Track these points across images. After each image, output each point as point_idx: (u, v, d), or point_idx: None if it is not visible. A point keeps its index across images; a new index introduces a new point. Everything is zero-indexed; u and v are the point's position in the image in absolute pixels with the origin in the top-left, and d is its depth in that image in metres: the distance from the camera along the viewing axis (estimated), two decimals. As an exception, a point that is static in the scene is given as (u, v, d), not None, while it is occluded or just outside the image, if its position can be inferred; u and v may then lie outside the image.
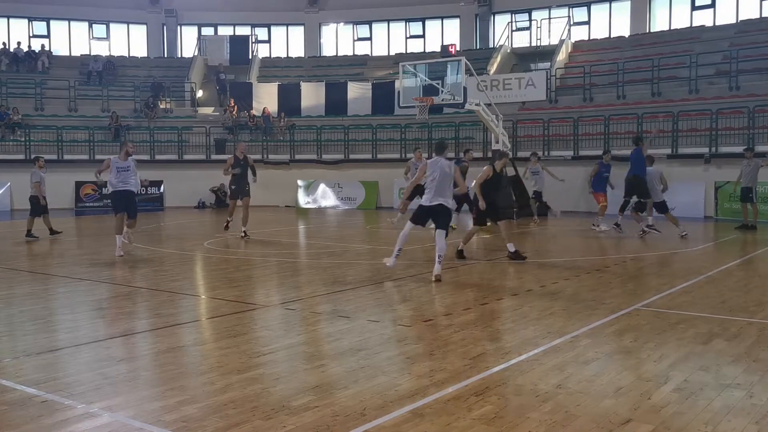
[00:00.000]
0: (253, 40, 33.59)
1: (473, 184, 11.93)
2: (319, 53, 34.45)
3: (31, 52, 31.21)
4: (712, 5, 27.84)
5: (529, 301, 8.03)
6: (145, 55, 34.06)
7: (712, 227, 17.93)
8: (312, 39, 34.62)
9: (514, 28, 30.91)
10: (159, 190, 26.50)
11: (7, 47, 31.08)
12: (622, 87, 24.92)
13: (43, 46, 31.79)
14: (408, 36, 34.05)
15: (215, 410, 4.42)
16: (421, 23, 33.76)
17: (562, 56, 28.20)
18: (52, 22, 33.29)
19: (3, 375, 5.18)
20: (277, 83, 30.64)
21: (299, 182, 26.90)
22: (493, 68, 27.95)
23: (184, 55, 34.12)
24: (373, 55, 33.47)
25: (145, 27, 34.33)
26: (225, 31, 34.15)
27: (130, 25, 34.43)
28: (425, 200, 9.55)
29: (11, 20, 32.81)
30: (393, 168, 24.19)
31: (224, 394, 4.72)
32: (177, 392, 4.77)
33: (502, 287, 9.05)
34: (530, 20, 30.92)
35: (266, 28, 34.85)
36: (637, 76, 25.06)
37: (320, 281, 9.53)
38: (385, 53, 33.30)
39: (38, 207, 15.30)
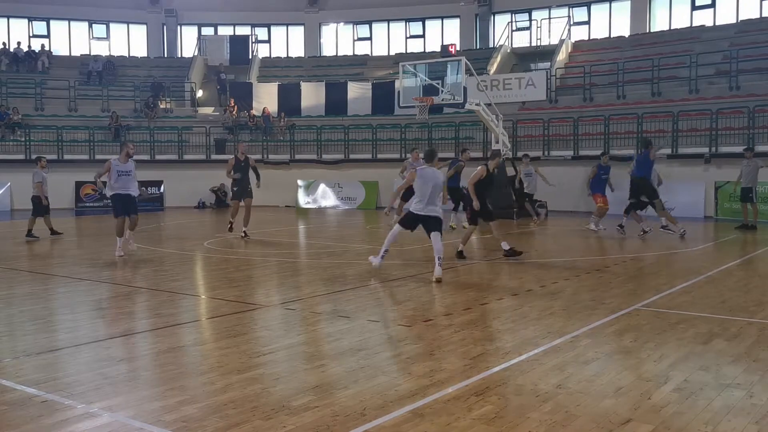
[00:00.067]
0: (253, 40, 33.60)
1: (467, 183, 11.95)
2: (319, 53, 34.45)
3: (31, 52, 31.22)
4: (712, 5, 27.85)
5: (529, 301, 8.03)
6: (145, 55, 34.07)
7: (712, 227, 17.93)
8: (312, 39, 34.63)
9: (514, 28, 30.91)
10: (159, 190, 26.50)
11: (7, 47, 31.09)
12: (622, 87, 24.92)
13: (43, 46, 31.79)
14: (408, 36, 34.06)
15: (215, 410, 4.42)
16: (421, 23, 33.77)
17: (562, 56, 28.20)
18: (52, 22, 33.30)
19: (3, 375, 5.18)
20: (277, 83, 30.64)
21: (299, 182, 26.91)
22: (493, 68, 27.96)
23: (184, 55, 34.13)
24: (373, 55, 33.47)
25: (145, 27, 34.34)
26: (225, 31, 34.16)
27: (130, 25, 34.44)
28: (415, 208, 9.61)
29: (11, 20, 32.83)
30: (393, 168, 24.13)
31: (224, 394, 4.72)
32: (177, 392, 4.77)
33: (502, 287, 9.05)
34: (530, 20, 30.93)
35: (266, 28, 34.85)
36: (637, 76, 25.06)
37: (320, 281, 9.53)
38: (385, 53, 33.31)
39: (40, 207, 15.29)
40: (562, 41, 28.60)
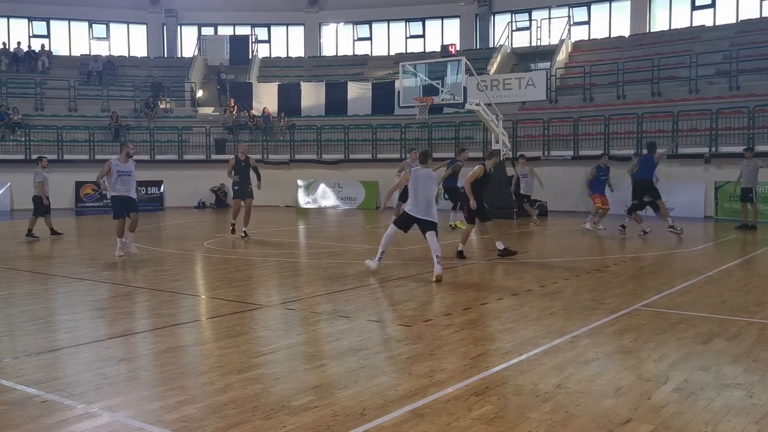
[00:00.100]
0: (253, 40, 33.59)
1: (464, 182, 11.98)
2: (319, 53, 34.46)
3: (31, 52, 31.22)
4: (712, 5, 27.85)
5: (529, 301, 8.03)
6: (145, 55, 34.07)
7: (712, 227, 17.93)
8: (312, 39, 34.63)
9: (514, 28, 30.92)
10: (159, 190, 26.51)
11: (7, 47, 31.09)
12: (622, 87, 24.93)
13: (43, 46, 31.80)
14: (408, 36, 34.06)
15: (215, 410, 4.43)
16: (421, 23, 33.77)
17: (562, 56, 28.20)
18: (52, 22, 33.30)
19: (3, 375, 5.18)
20: (277, 83, 30.65)
21: (299, 182, 26.90)
22: (493, 68, 27.96)
23: (184, 55, 34.14)
24: (373, 55, 33.47)
25: (145, 27, 34.34)
26: (225, 31, 34.17)
27: (130, 25, 34.44)
28: (410, 209, 9.66)
29: (11, 20, 32.83)
30: (393, 168, 24.08)
31: (224, 394, 4.72)
32: (177, 392, 4.77)
33: (502, 287, 9.05)
34: (530, 20, 30.93)
35: (266, 28, 34.86)
36: (637, 76, 25.07)
37: (320, 281, 9.53)
38: (385, 53, 33.31)
39: (41, 207, 15.30)
40: (562, 41, 28.61)
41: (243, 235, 14.68)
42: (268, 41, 34.91)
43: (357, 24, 34.52)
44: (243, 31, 34.06)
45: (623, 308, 7.52)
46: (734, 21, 26.94)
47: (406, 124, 26.03)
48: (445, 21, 33.54)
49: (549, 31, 29.90)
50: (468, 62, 19.79)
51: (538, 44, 29.86)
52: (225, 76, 31.43)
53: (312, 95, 29.76)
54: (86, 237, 16.79)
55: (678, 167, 20.76)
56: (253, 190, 14.82)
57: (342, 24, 34.75)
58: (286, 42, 35.07)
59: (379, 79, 30.16)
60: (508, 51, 29.99)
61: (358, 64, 32.56)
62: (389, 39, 34.27)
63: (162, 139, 27.53)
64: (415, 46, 33.57)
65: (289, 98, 29.77)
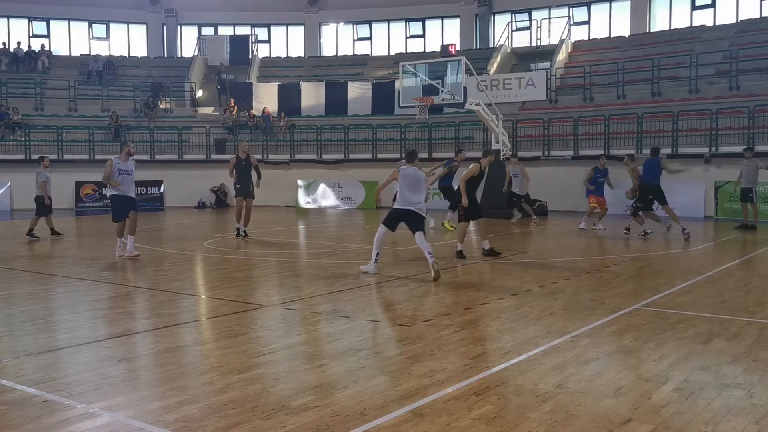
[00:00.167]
0: (253, 40, 33.60)
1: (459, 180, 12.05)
2: (319, 53, 34.46)
3: (31, 52, 31.22)
4: (712, 5, 27.86)
5: (529, 301, 8.03)
6: (145, 55, 34.07)
7: (712, 227, 17.94)
8: (312, 39, 34.63)
9: (514, 28, 30.92)
10: (159, 190, 26.51)
11: (7, 47, 31.10)
12: (622, 87, 24.93)
13: (43, 46, 31.80)
14: (408, 36, 34.06)
15: (215, 410, 4.42)
16: (421, 23, 33.77)
17: (562, 56, 28.21)
18: (52, 22, 33.30)
19: (3, 375, 5.18)
20: (277, 83, 30.65)
21: (299, 182, 26.90)
22: (493, 68, 27.96)
23: (184, 55, 34.14)
24: (373, 55, 33.48)
25: (145, 27, 34.35)
26: (225, 31, 34.17)
27: (130, 25, 34.45)
28: (398, 204, 9.88)
29: (11, 20, 32.83)
30: (393, 168, 24.17)
31: (224, 394, 4.72)
32: (177, 392, 4.77)
33: (502, 287, 9.05)
34: (530, 20, 30.94)
35: (266, 28, 34.86)
36: (637, 76, 25.07)
37: (320, 281, 9.53)
38: (385, 53, 33.32)
39: (44, 207, 15.30)
40: (562, 41, 28.61)
41: (243, 235, 14.69)
42: (268, 41, 34.92)
43: (357, 24, 34.52)
44: (243, 31, 34.06)
45: (623, 308, 7.52)
46: (734, 21, 26.95)
47: (406, 124, 26.04)
48: (445, 21, 33.55)
49: (549, 31, 29.92)
50: (468, 62, 19.80)
51: (538, 44, 29.87)
52: (225, 76, 31.44)
53: (312, 95, 29.77)
54: (86, 237, 16.79)
55: (678, 167, 20.71)
56: (254, 190, 14.81)
57: (342, 24, 34.75)
58: (286, 42, 35.08)
59: (379, 79, 30.16)
60: (508, 51, 29.99)
61: (358, 64, 32.56)
62: (389, 39, 34.27)
63: (162, 139, 27.54)
64: (415, 46, 33.58)
65: (289, 98, 29.78)
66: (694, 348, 5.93)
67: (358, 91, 29.30)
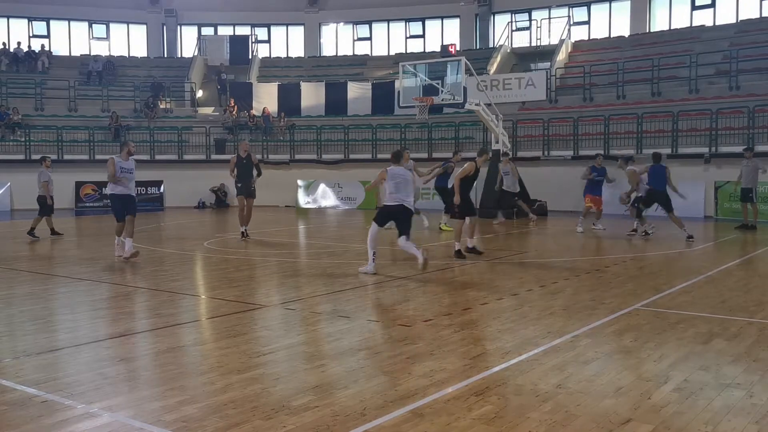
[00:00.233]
0: (253, 40, 33.61)
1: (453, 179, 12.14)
2: (319, 53, 34.46)
3: (31, 52, 31.23)
4: (712, 5, 27.86)
5: (529, 301, 8.03)
6: (145, 55, 34.08)
7: (712, 227, 17.93)
8: (312, 39, 34.63)
9: (514, 28, 30.93)
10: (159, 190, 26.51)
11: (7, 47, 31.10)
12: (622, 87, 24.93)
13: (43, 46, 31.80)
14: (408, 36, 34.06)
15: (215, 410, 4.42)
16: (421, 23, 33.77)
17: (562, 56, 28.21)
18: (52, 22, 33.31)
19: (3, 375, 5.18)
20: (277, 83, 30.66)
21: (299, 182, 26.91)
22: (493, 68, 27.96)
23: (184, 55, 34.15)
24: (373, 55, 33.48)
25: (145, 27, 34.36)
26: (225, 31, 34.18)
27: (130, 25, 34.46)
28: (388, 201, 10.09)
29: (11, 20, 32.84)
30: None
31: (224, 394, 4.72)
32: (177, 392, 4.77)
33: (502, 287, 9.05)
34: (530, 20, 30.94)
35: (266, 28, 34.87)
36: (637, 76, 25.07)
37: (320, 281, 9.53)
38: (385, 53, 33.32)
39: (46, 207, 15.31)
40: (562, 41, 28.61)
41: (241, 234, 14.67)
42: (268, 41, 34.92)
43: (357, 24, 34.52)
44: (243, 31, 34.06)
45: (623, 308, 7.52)
46: (734, 21, 26.95)
47: (406, 124, 26.03)
48: (445, 21, 33.55)
49: (549, 31, 29.92)
50: (468, 62, 19.80)
51: (538, 44, 29.88)
52: (225, 76, 31.44)
53: (312, 95, 29.77)
54: (86, 237, 16.79)
55: (678, 167, 20.69)
56: (255, 189, 14.76)
57: (342, 24, 34.75)
58: (286, 42, 35.08)
59: (379, 79, 30.17)
60: (508, 51, 30.00)
61: (358, 64, 32.56)
62: (389, 39, 34.28)
63: (162, 139, 27.54)
64: (415, 46, 33.58)
65: (289, 98, 29.79)
66: (694, 348, 5.93)
67: (358, 91, 29.30)
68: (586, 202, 16.18)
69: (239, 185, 14.71)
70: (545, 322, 6.88)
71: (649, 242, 14.04)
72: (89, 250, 13.75)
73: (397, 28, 34.23)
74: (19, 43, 31.48)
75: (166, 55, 34.05)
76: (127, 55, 33.81)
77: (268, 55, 34.33)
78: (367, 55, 33.61)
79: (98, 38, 34.03)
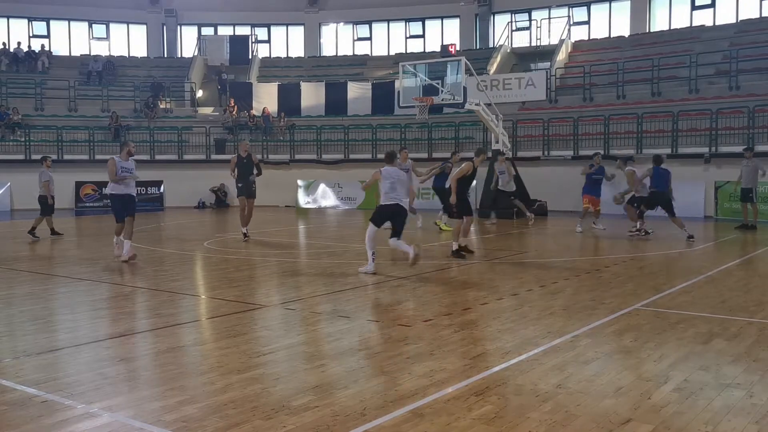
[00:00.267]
0: (253, 40, 33.60)
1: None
2: (319, 53, 34.46)
3: (31, 52, 31.22)
4: (712, 5, 27.85)
5: (529, 301, 8.03)
6: (145, 55, 34.07)
7: (712, 227, 17.93)
8: (312, 39, 34.63)
9: (514, 28, 30.92)
10: (159, 190, 26.51)
11: (7, 47, 31.10)
12: (622, 87, 24.93)
13: (43, 46, 31.80)
14: (408, 36, 34.06)
15: (215, 410, 4.43)
16: (421, 23, 33.77)
17: (562, 56, 28.20)
18: (52, 22, 33.30)
19: (3, 375, 5.18)
20: (277, 83, 30.65)
21: (299, 182, 26.91)
22: (493, 68, 27.96)
23: (184, 55, 34.14)
24: (373, 55, 33.48)
25: (145, 27, 34.35)
26: (225, 31, 34.17)
27: (130, 25, 34.45)
28: (383, 201, 10.24)
29: (11, 20, 32.84)
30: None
31: (224, 394, 4.72)
32: (177, 392, 4.77)
33: (502, 287, 9.05)
34: (530, 20, 30.94)
35: (266, 28, 34.86)
36: (637, 76, 25.07)
37: (320, 281, 9.53)
38: (385, 53, 33.32)
39: (48, 207, 15.32)
40: (562, 41, 28.61)
41: (243, 234, 14.66)
42: (268, 41, 34.91)
43: (357, 24, 34.52)
44: (243, 31, 34.06)
45: (623, 308, 7.52)
46: (734, 21, 26.95)
47: (406, 124, 26.03)
48: (445, 21, 33.55)
49: (549, 31, 29.92)
50: (468, 62, 19.79)
51: (538, 44, 29.87)
52: (225, 76, 31.44)
53: (312, 95, 29.77)
54: (86, 237, 16.79)
55: (678, 167, 20.69)
56: (256, 190, 14.72)
57: (342, 24, 34.75)
58: (286, 42, 35.08)
59: (379, 79, 30.16)
60: (508, 51, 29.99)
61: (358, 64, 32.56)
62: (389, 39, 34.27)
63: (162, 139, 27.54)
64: (415, 46, 33.58)
65: (289, 98, 29.78)
66: (694, 348, 5.93)
67: (358, 91, 29.30)
68: (584, 202, 16.17)
69: (240, 186, 14.60)
70: (545, 322, 6.88)
71: (649, 242, 14.04)
72: (89, 250, 13.75)
73: (397, 28, 34.22)
74: (19, 43, 31.48)
75: (166, 55, 34.05)
76: (127, 55, 33.81)
77: (268, 55, 34.33)
78: (367, 55, 33.61)
79: (98, 38, 34.02)
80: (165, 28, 34.19)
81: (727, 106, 21.40)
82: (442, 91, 19.27)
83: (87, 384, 4.96)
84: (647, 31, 29.09)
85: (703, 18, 27.96)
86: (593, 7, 30.46)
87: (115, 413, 4.37)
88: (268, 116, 28.44)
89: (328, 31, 34.94)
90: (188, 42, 34.44)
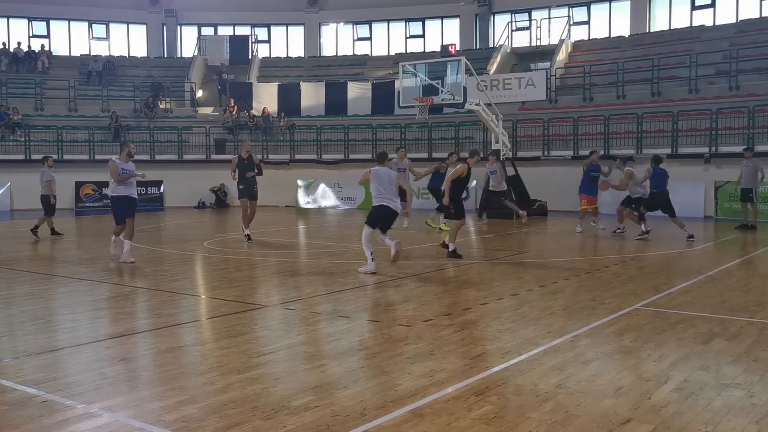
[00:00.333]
0: (253, 40, 33.60)
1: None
2: (319, 53, 34.46)
3: (31, 52, 31.22)
4: (712, 5, 27.85)
5: (529, 301, 8.04)
6: (145, 55, 34.07)
7: (712, 227, 17.93)
8: (312, 39, 34.63)
9: (514, 28, 30.92)
10: (159, 190, 26.50)
11: (7, 47, 31.09)
12: (622, 87, 24.92)
13: (43, 46, 31.79)
14: (408, 36, 34.06)
15: (215, 410, 4.43)
16: (421, 23, 33.77)
17: (562, 56, 28.20)
18: (52, 22, 33.30)
19: (3, 375, 5.18)
20: (277, 83, 30.65)
21: (299, 182, 26.90)
22: (493, 68, 27.96)
23: (184, 55, 34.13)
24: (373, 55, 33.47)
25: (144, 27, 34.35)
26: (225, 31, 34.16)
27: (130, 25, 34.44)
28: (375, 201, 10.37)
29: (11, 20, 32.83)
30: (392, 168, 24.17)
31: (224, 394, 4.72)
32: (177, 392, 4.77)
33: (502, 287, 9.05)
34: (530, 20, 30.93)
35: (266, 28, 34.86)
36: (637, 76, 25.07)
37: (320, 281, 9.53)
38: (385, 53, 33.31)
39: (50, 206, 15.33)
40: (562, 41, 28.60)
41: (243, 234, 14.63)
42: (268, 41, 34.91)
43: (357, 24, 34.51)
44: (243, 31, 34.05)
45: (623, 308, 7.52)
46: (734, 21, 26.94)
47: (406, 124, 26.03)
48: (445, 21, 33.54)
49: (549, 31, 29.91)
50: (468, 62, 19.80)
51: (538, 44, 29.87)
52: (225, 76, 31.43)
53: (312, 95, 29.77)
54: (86, 237, 16.79)
55: (678, 167, 20.72)
56: (258, 191, 14.64)
57: (342, 24, 34.75)
58: (286, 42, 35.07)
59: (379, 79, 30.16)
60: (508, 51, 29.99)
61: (358, 64, 32.56)
62: (389, 39, 34.26)
63: (162, 139, 27.53)
64: (415, 46, 33.57)
65: (289, 98, 29.78)
66: (694, 348, 5.93)
67: (358, 91, 29.30)
68: (581, 203, 16.13)
69: (241, 187, 14.39)
70: (545, 322, 6.88)
71: (649, 242, 14.04)
72: (89, 250, 13.74)
73: (397, 28, 34.22)
74: (19, 43, 31.47)
75: (166, 55, 34.04)
76: (127, 55, 33.81)
77: (268, 55, 34.32)
78: (367, 55, 33.60)
79: (98, 38, 34.01)
80: (165, 28, 34.19)
81: (727, 106, 21.40)
82: (442, 91, 19.28)
83: (87, 384, 4.96)
84: (647, 31, 29.09)
85: (703, 18, 27.96)
86: (593, 7, 30.46)
87: (115, 413, 4.37)
88: (268, 116, 28.44)
89: (328, 31, 34.94)
90: (188, 42, 34.44)
